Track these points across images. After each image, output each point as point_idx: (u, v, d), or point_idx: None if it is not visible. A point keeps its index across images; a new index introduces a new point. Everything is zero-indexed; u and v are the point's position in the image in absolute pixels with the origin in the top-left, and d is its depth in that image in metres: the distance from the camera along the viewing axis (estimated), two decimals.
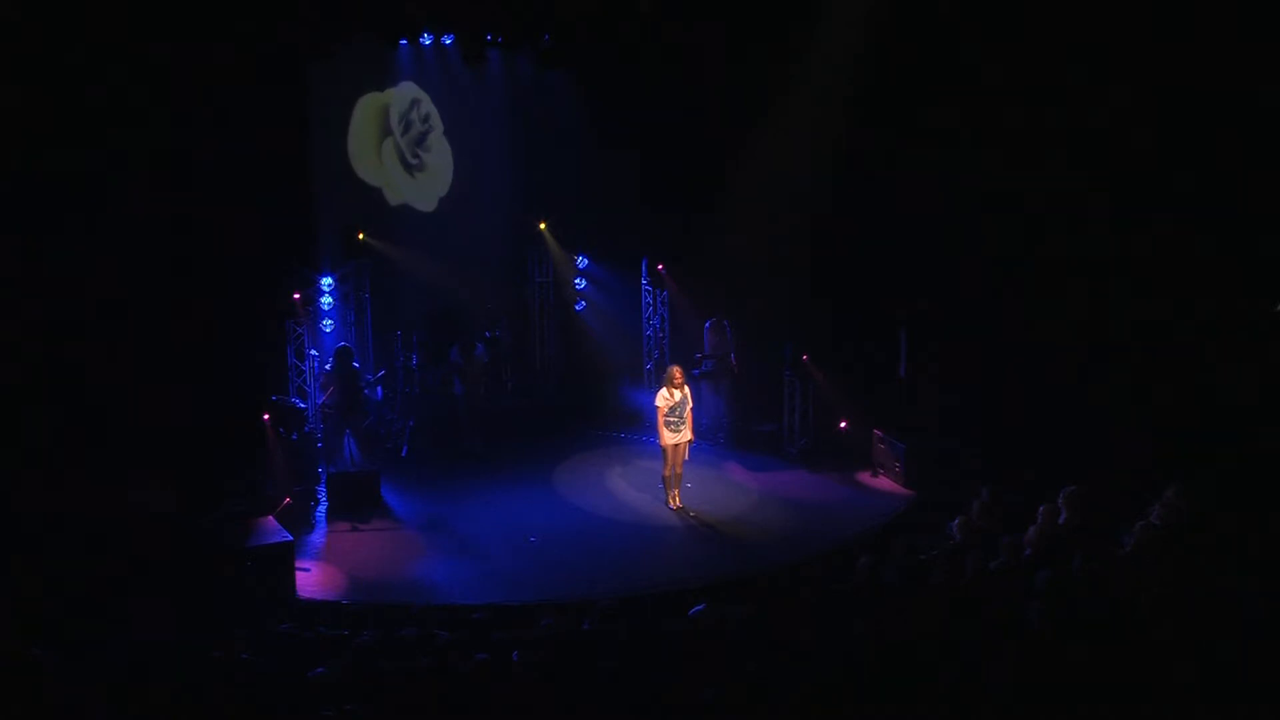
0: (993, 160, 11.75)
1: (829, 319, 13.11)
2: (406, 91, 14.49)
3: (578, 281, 15.41)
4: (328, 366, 11.82)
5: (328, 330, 12.65)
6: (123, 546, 8.50)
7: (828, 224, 13.01)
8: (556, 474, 12.50)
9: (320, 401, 11.78)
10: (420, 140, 14.76)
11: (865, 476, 12.32)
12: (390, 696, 5.57)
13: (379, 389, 12.54)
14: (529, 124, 15.06)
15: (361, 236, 13.51)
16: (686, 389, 11.01)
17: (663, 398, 10.93)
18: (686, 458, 11.15)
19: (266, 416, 11.08)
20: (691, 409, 11.04)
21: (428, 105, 14.71)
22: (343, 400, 11.69)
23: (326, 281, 12.50)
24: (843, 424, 12.92)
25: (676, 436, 10.94)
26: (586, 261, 15.37)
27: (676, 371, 11.02)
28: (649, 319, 14.53)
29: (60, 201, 9.97)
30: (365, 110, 14.17)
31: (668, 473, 11.10)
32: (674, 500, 11.13)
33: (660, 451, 11.12)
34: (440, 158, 14.93)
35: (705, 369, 13.16)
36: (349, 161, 14.06)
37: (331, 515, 11.10)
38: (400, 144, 14.52)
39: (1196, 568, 6.52)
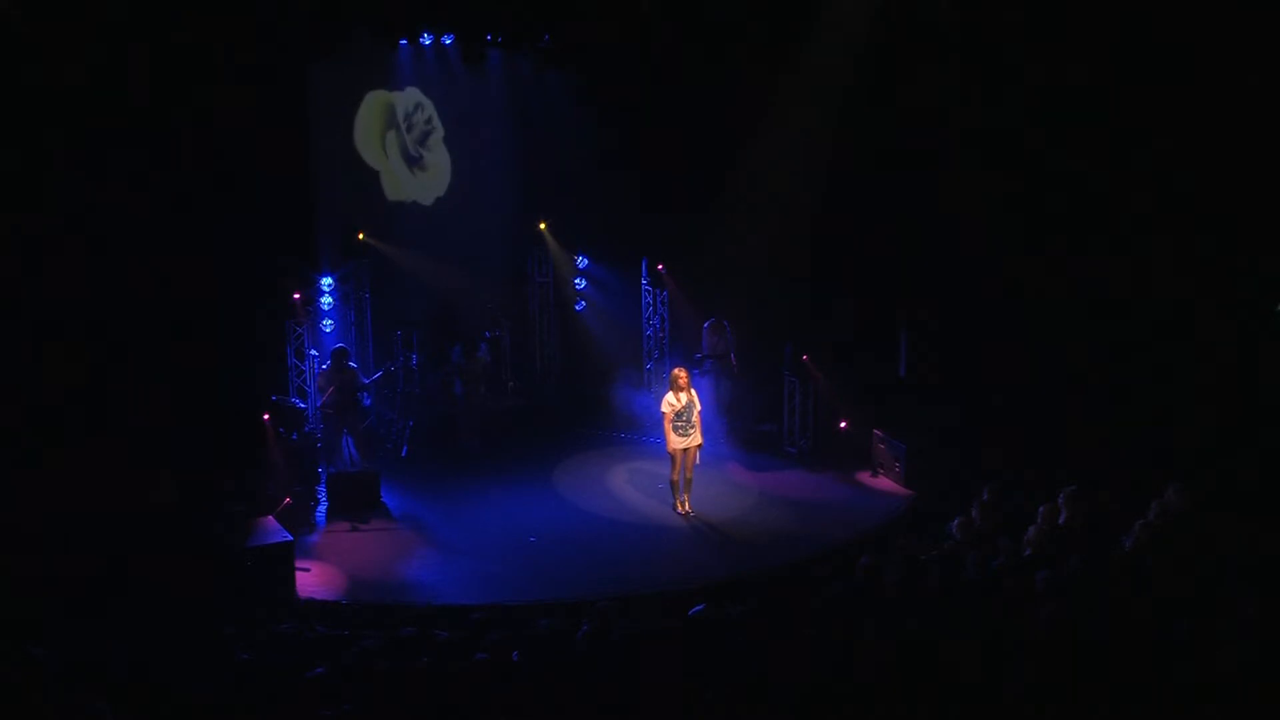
0: (993, 161, 11.76)
1: (829, 319, 13.12)
2: (410, 96, 14.64)
3: (578, 281, 15.42)
4: (324, 367, 11.83)
5: (328, 330, 12.64)
6: (123, 546, 8.49)
7: (828, 224, 13.02)
8: (556, 474, 12.50)
9: (319, 403, 11.78)
10: (422, 140, 14.82)
11: (865, 476, 12.31)
12: (389, 697, 5.57)
13: (367, 395, 12.47)
14: (529, 124, 15.07)
15: (361, 236, 13.53)
16: (693, 391, 10.93)
17: (668, 403, 10.82)
18: (698, 462, 11.04)
19: (266, 416, 11.08)
20: (700, 412, 10.98)
21: (430, 109, 14.81)
22: (340, 401, 11.68)
23: (326, 281, 12.50)
24: (843, 424, 12.91)
25: (685, 441, 10.82)
26: (586, 261, 15.37)
27: (681, 375, 10.90)
28: (649, 319, 14.53)
29: (61, 201, 9.98)
30: (372, 104, 14.31)
31: (675, 477, 11.00)
32: (682, 505, 11.03)
33: (667, 455, 10.99)
34: (441, 158, 14.99)
35: (705, 369, 13.15)
36: (350, 154, 14.13)
37: (331, 515, 11.10)
38: (405, 137, 14.62)
39: (1196, 568, 6.52)
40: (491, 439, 13.47)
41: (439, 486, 12.09)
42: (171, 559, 8.59)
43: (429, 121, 14.85)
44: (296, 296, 11.74)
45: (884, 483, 12.10)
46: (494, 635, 6.33)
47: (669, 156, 13.67)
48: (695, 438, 10.90)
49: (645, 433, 13.58)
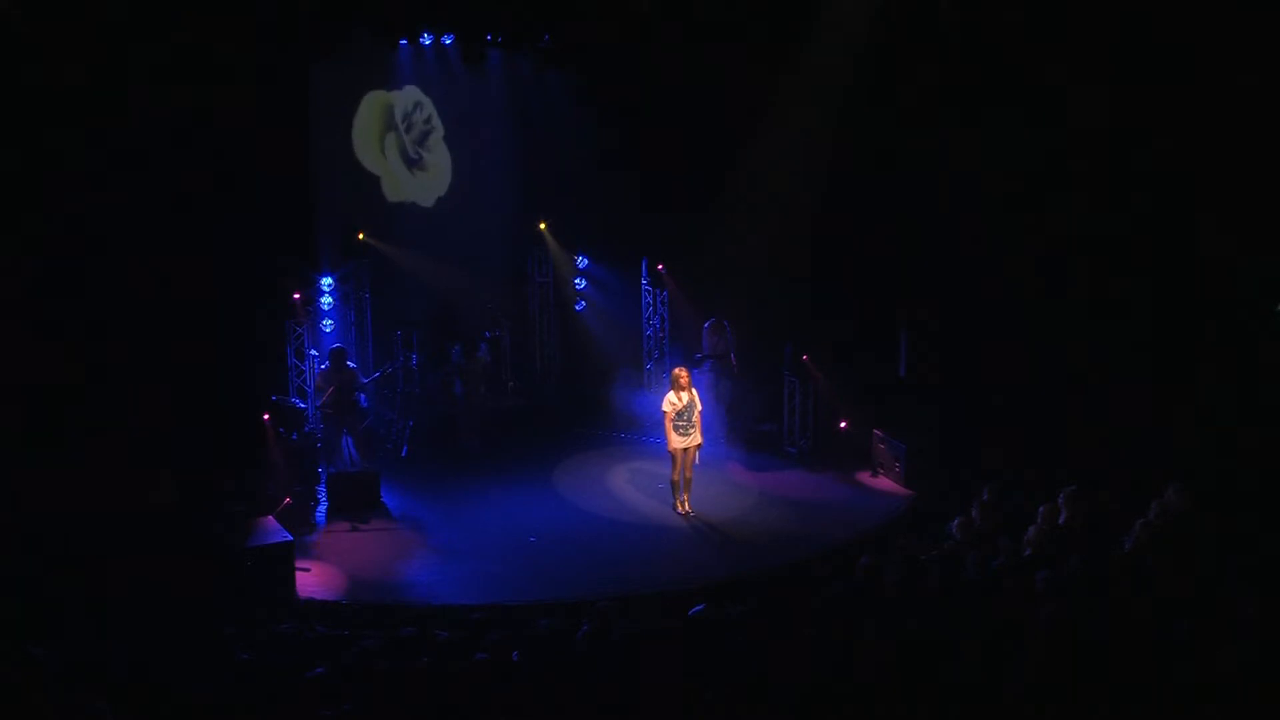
0: (993, 161, 11.76)
1: (829, 319, 13.12)
2: (410, 95, 14.62)
3: (578, 281, 15.42)
4: (323, 367, 11.82)
5: (328, 330, 12.66)
6: (123, 546, 8.49)
7: (828, 224, 13.02)
8: (556, 474, 12.50)
9: (318, 403, 11.77)
10: (422, 140, 14.82)
11: (865, 476, 12.32)
12: (389, 697, 5.57)
13: (362, 395, 12.44)
14: (529, 124, 15.06)
15: (361, 236, 13.53)
16: (694, 391, 10.94)
17: (669, 402, 10.83)
18: (697, 462, 11.05)
19: (266, 416, 11.08)
20: (701, 412, 10.99)
21: (429, 108, 14.80)
22: (339, 401, 11.67)
23: (326, 281, 12.52)
24: (843, 424, 12.91)
25: (685, 440, 10.83)
26: (586, 261, 15.38)
27: (682, 374, 10.92)
28: (649, 319, 14.53)
29: (61, 201, 9.98)
30: (371, 104, 14.29)
31: (676, 477, 11.01)
32: (682, 505, 11.03)
33: (668, 455, 10.99)
34: (441, 158, 14.98)
35: (705, 369, 13.15)
36: (350, 155, 14.12)
37: (331, 515, 11.10)
38: (404, 139, 14.60)
39: (1196, 568, 6.52)
40: (491, 439, 13.47)
41: (439, 486, 12.09)
42: (171, 559, 8.59)
43: (428, 121, 14.83)
44: (296, 296, 11.75)
45: (884, 483, 12.10)
46: (494, 635, 6.34)
47: (669, 156, 13.66)
48: (695, 437, 10.90)
49: (645, 433, 13.58)
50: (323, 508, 11.26)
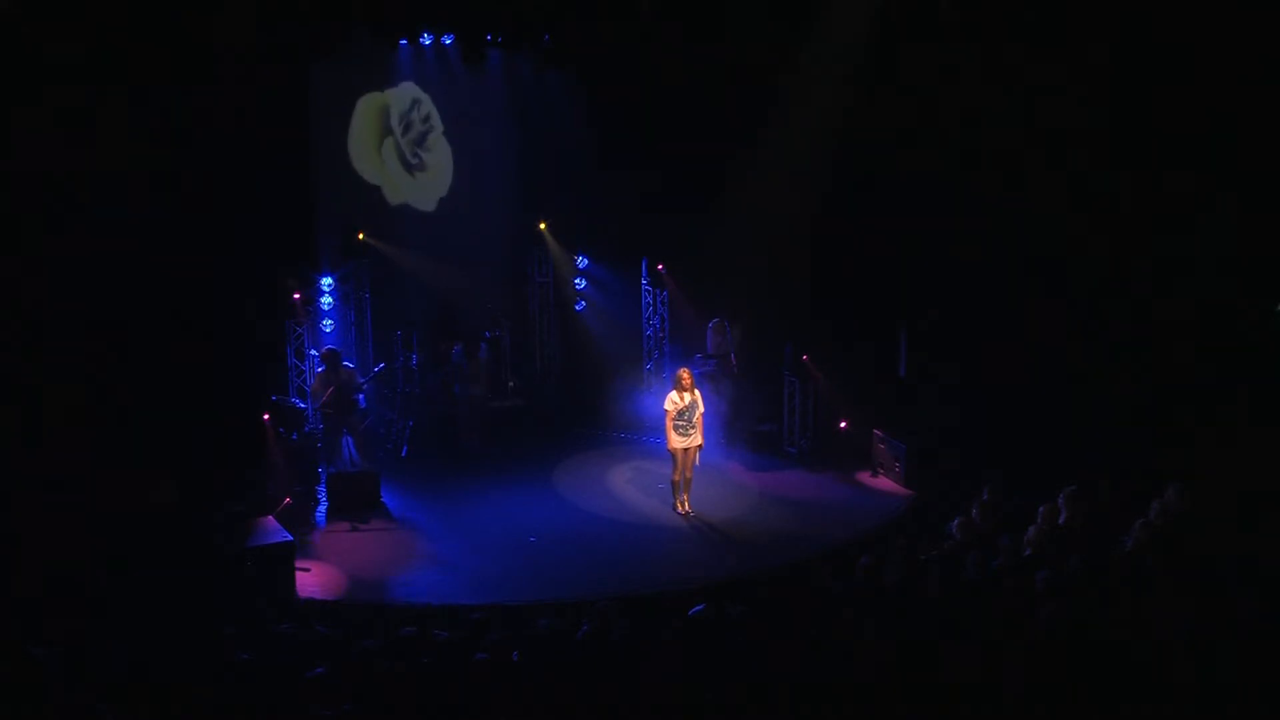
0: (993, 162, 11.76)
1: (829, 319, 13.12)
2: (407, 92, 14.53)
3: (578, 281, 15.41)
4: (320, 370, 11.80)
5: (328, 330, 12.65)
6: (123, 546, 8.49)
7: (828, 224, 13.01)
8: (556, 474, 12.50)
9: (317, 405, 11.76)
10: (420, 140, 14.77)
11: (865, 476, 12.32)
12: (389, 697, 5.57)
13: (361, 396, 12.41)
14: (529, 124, 15.04)
15: (361, 236, 13.52)
16: (697, 393, 10.96)
17: (671, 401, 10.86)
18: (697, 463, 11.06)
19: (266, 416, 11.07)
20: (703, 414, 10.99)
21: (428, 105, 14.72)
22: (339, 401, 11.66)
23: (326, 281, 12.52)
24: (843, 424, 12.92)
25: (685, 441, 10.85)
26: (586, 261, 15.37)
27: (685, 375, 10.94)
28: (649, 319, 14.53)
29: (60, 202, 9.98)
30: (366, 110, 14.22)
31: (676, 477, 11.02)
32: (682, 505, 11.05)
33: (668, 454, 11.02)
34: (440, 158, 14.93)
35: (706, 369, 13.15)
36: (349, 160, 14.08)
37: (331, 515, 11.10)
38: (400, 143, 14.56)
39: (1196, 568, 6.52)
40: (491, 439, 13.46)
41: (439, 486, 12.09)
42: (171, 559, 8.59)
43: (426, 120, 14.76)
44: (296, 296, 11.74)
45: (884, 483, 12.11)
46: (494, 635, 6.34)
47: (669, 156, 13.64)
48: (696, 438, 10.91)
49: (645, 433, 13.58)
50: (323, 508, 11.27)
